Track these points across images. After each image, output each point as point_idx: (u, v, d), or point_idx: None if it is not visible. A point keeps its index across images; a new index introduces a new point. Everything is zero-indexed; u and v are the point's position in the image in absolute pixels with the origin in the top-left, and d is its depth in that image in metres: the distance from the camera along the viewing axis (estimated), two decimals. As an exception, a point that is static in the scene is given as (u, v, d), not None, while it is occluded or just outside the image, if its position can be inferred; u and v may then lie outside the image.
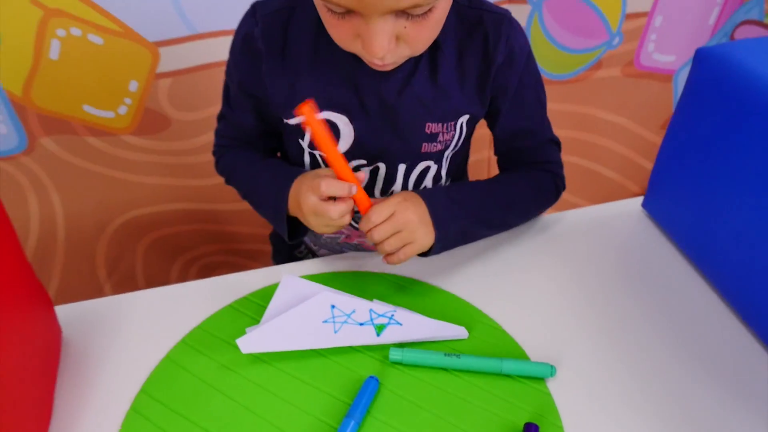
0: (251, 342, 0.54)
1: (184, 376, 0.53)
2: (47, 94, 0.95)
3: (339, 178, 0.55)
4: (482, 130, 0.72)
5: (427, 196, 0.60)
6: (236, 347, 0.54)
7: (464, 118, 0.65)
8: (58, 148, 1.01)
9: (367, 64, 0.56)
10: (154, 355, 0.55)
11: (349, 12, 0.50)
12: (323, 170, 0.59)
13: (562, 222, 0.71)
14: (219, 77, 0.70)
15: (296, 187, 0.59)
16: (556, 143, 0.71)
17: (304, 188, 0.57)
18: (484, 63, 0.62)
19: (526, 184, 0.68)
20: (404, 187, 0.68)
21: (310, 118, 0.52)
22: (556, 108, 1.24)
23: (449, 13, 0.55)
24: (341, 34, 0.53)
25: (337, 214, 0.54)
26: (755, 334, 0.57)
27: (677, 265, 0.65)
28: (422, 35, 0.53)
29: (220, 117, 0.72)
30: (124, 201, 1.11)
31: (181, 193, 1.12)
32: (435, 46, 0.59)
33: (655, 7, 1.15)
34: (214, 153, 0.74)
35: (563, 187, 0.71)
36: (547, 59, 1.17)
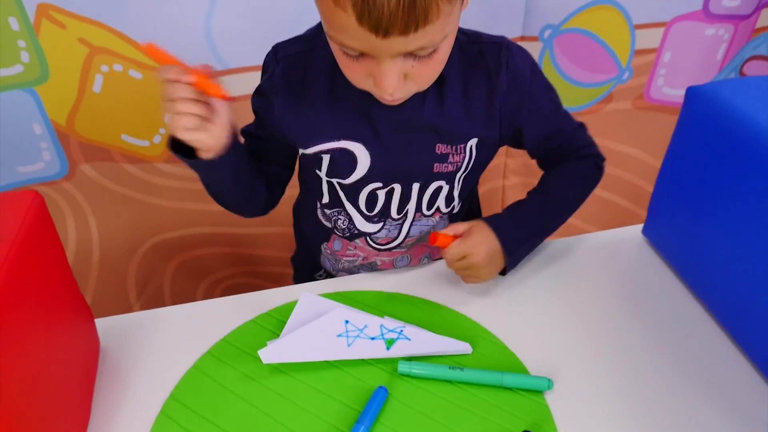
0: (272, 353, 0.58)
1: (210, 384, 0.58)
2: (89, 124, 1.03)
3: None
4: (497, 159, 0.77)
5: (497, 226, 0.67)
6: (258, 358, 0.59)
7: (473, 142, 0.69)
8: (97, 174, 1.09)
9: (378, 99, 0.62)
10: (182, 364, 0.60)
11: (362, 55, 0.55)
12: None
13: (566, 247, 0.75)
14: (246, 110, 0.76)
15: None
16: (581, 127, 0.75)
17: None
18: (489, 91, 0.66)
19: (572, 180, 0.73)
20: (418, 205, 0.73)
21: (151, 52, 0.55)
22: (567, 139, 1.28)
23: (452, 48, 0.61)
24: (355, 74, 0.59)
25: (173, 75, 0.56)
26: (748, 357, 0.60)
27: (674, 290, 0.68)
28: (427, 73, 0.58)
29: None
30: (155, 224, 1.18)
31: (207, 218, 1.19)
32: (441, 80, 0.64)
33: (664, 43, 1.20)
34: None
35: (603, 160, 0.76)
36: (559, 92, 1.22)
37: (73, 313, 0.56)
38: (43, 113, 0.99)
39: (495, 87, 0.66)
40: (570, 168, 0.73)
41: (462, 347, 0.60)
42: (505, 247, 0.66)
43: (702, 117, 0.62)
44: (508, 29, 1.11)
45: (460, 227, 0.68)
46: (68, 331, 0.54)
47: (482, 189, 0.89)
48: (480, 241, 0.65)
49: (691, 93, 0.63)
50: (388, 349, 0.60)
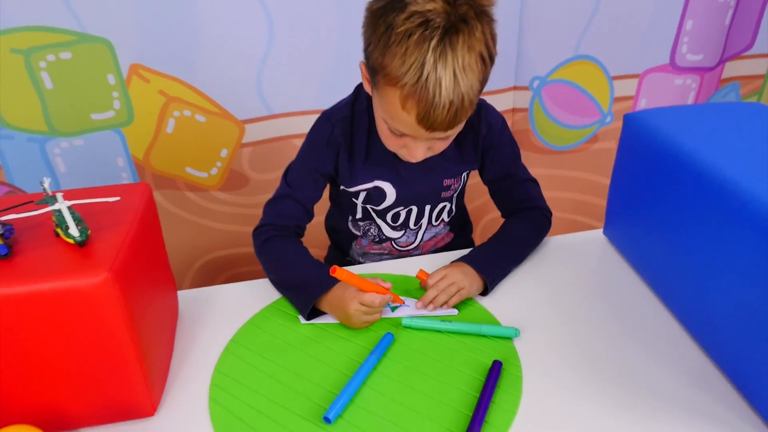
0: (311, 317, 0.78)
1: (261, 333, 0.78)
2: (161, 159, 1.27)
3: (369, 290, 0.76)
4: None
5: (469, 258, 0.85)
6: (296, 320, 0.78)
7: (465, 173, 0.93)
8: (163, 200, 1.32)
9: None
10: (238, 321, 0.80)
11: (403, 134, 0.77)
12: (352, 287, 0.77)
13: (545, 244, 0.94)
14: (287, 147, 0.96)
15: (338, 294, 0.77)
16: (532, 181, 0.95)
17: (349, 297, 0.76)
18: (474, 136, 0.89)
19: (526, 224, 0.93)
20: (429, 219, 0.96)
21: (341, 276, 0.74)
22: (559, 174, 1.48)
23: None
24: (392, 144, 0.81)
25: (378, 303, 0.75)
26: (680, 321, 0.76)
27: (625, 274, 0.86)
28: (445, 146, 0.81)
29: (278, 198, 0.90)
30: (208, 244, 1.40)
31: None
32: None
33: (639, 91, 1.41)
34: (261, 230, 0.89)
35: (550, 214, 0.95)
36: (549, 134, 1.43)
37: (166, 280, 0.77)
38: (126, 149, 1.24)
39: (477, 134, 0.89)
40: (524, 216, 0.93)
41: (450, 311, 0.79)
42: (479, 269, 0.82)
43: (636, 138, 0.81)
44: (503, 80, 1.34)
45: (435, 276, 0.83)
46: (163, 291, 0.75)
47: (472, 205, 1.10)
48: (454, 266, 0.83)
49: (628, 118, 0.83)
50: (392, 311, 0.79)
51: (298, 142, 1.28)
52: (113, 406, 0.64)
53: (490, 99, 1.33)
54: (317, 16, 1.18)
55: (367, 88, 0.79)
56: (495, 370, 0.68)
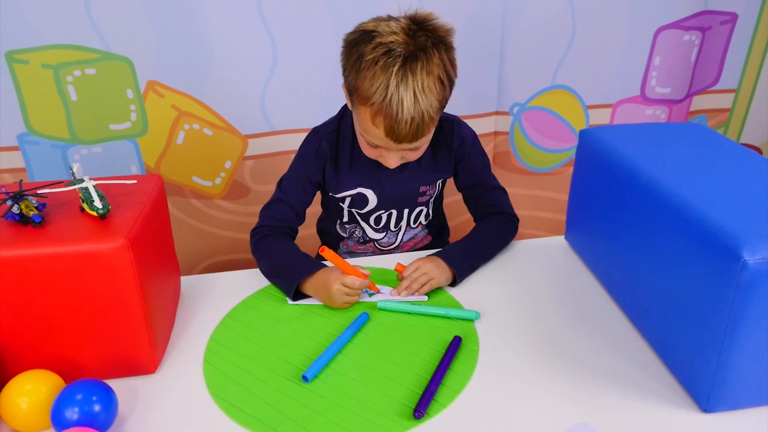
0: (297, 299, 0.88)
1: (252, 311, 0.88)
2: (170, 168, 1.39)
3: (350, 274, 0.87)
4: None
5: (441, 253, 0.95)
6: (285, 302, 0.88)
7: (440, 180, 1.05)
8: (171, 207, 1.43)
9: None
10: (233, 302, 0.90)
11: (377, 146, 0.89)
12: (335, 270, 0.88)
13: (513, 246, 1.04)
14: (287, 162, 1.07)
15: (321, 276, 0.87)
16: (501, 189, 1.06)
17: (333, 278, 0.86)
18: (447, 149, 1.01)
19: (494, 227, 1.03)
20: (408, 221, 1.07)
21: (328, 255, 0.88)
22: (538, 194, 1.59)
23: None
24: (370, 153, 0.93)
25: (358, 285, 0.86)
26: (624, 312, 0.86)
27: (582, 274, 0.96)
28: (417, 155, 0.93)
29: (272, 203, 1.02)
30: (210, 249, 1.50)
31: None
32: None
33: (612, 120, 1.53)
34: (257, 231, 1.00)
35: (517, 220, 1.06)
36: (528, 156, 1.55)
37: (171, 261, 0.88)
38: (139, 158, 1.36)
39: (451, 146, 1.01)
40: (492, 220, 1.04)
41: (421, 298, 0.89)
42: (448, 261, 0.93)
43: (589, 151, 0.93)
44: (485, 106, 1.47)
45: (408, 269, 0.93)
46: (168, 268, 0.85)
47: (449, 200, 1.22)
48: (426, 259, 0.94)
49: (582, 134, 0.95)
50: (369, 296, 0.89)
51: (298, 157, 1.40)
52: (120, 361, 0.73)
53: (473, 122, 1.47)
54: (317, 43, 1.31)
55: (349, 106, 0.92)
56: (454, 344, 0.78)
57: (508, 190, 1.08)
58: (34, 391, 0.66)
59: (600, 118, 1.53)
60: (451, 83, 0.86)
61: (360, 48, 0.83)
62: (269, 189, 1.45)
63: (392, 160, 0.91)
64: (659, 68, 1.49)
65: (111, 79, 1.27)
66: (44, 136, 1.29)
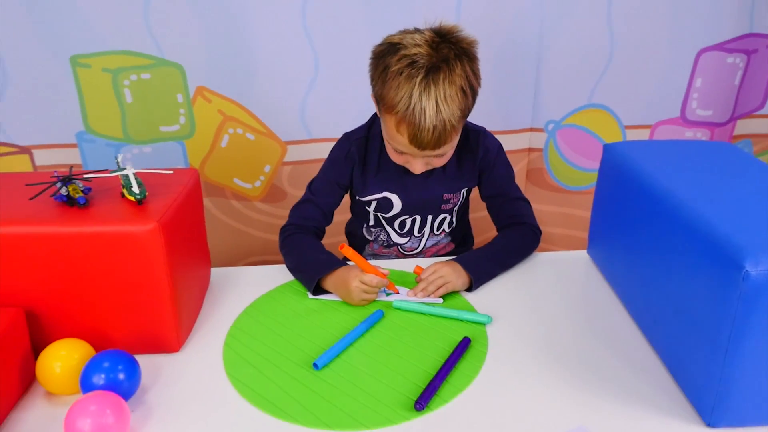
0: (317, 294, 0.93)
1: (274, 303, 0.92)
2: (214, 169, 1.47)
3: (369, 272, 0.91)
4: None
5: (460, 258, 0.97)
6: (305, 296, 0.92)
7: (465, 189, 1.07)
8: (212, 206, 1.51)
9: None
10: (258, 293, 0.95)
11: (403, 152, 0.93)
12: (355, 268, 0.92)
13: (534, 258, 1.05)
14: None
15: (342, 273, 0.91)
16: (524, 200, 1.08)
17: (352, 276, 0.89)
18: (472, 158, 1.04)
19: (516, 236, 1.05)
20: (431, 229, 1.10)
21: (347, 252, 0.92)
22: (571, 212, 1.58)
23: None
24: (397, 159, 0.97)
25: (376, 283, 0.89)
26: (639, 326, 0.86)
27: (599, 285, 0.96)
28: (442, 162, 0.97)
29: (301, 203, 1.06)
30: (246, 249, 1.57)
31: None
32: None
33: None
34: (285, 228, 1.05)
35: (540, 232, 1.07)
36: (562, 174, 1.55)
37: (202, 250, 0.93)
38: (185, 158, 1.44)
39: (475, 156, 1.04)
40: (514, 229, 1.05)
41: (436, 300, 0.91)
42: (466, 266, 0.95)
43: (612, 166, 0.93)
44: (520, 122, 1.48)
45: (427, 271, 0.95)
46: (198, 257, 0.91)
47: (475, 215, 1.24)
48: (444, 263, 0.96)
49: (606, 147, 0.95)
50: (387, 295, 0.92)
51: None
52: (147, 337, 0.79)
53: (508, 137, 1.49)
54: (356, 56, 1.36)
55: (378, 114, 0.96)
56: (463, 344, 0.80)
57: (540, 206, 1.10)
58: (67, 357, 0.72)
59: (638, 138, 1.52)
60: (474, 93, 0.90)
61: (386, 59, 0.87)
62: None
63: (417, 165, 0.94)
64: (700, 90, 1.47)
65: (164, 84, 1.36)
66: (100, 135, 1.39)
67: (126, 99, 1.36)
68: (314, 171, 1.49)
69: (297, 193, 1.51)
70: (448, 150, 0.94)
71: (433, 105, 0.84)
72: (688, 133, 1.52)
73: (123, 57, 1.32)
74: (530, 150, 1.52)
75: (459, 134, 0.93)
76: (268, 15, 1.30)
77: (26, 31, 1.26)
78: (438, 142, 0.88)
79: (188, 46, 1.32)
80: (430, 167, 0.97)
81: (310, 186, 1.08)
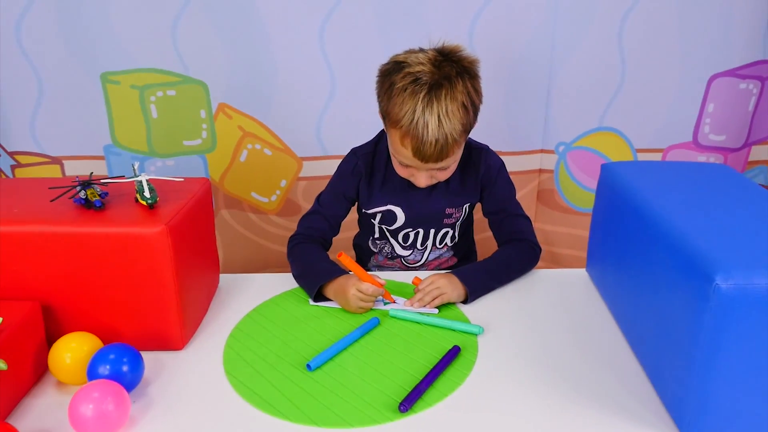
0: (318, 301, 0.96)
1: (277, 308, 0.96)
2: (233, 182, 1.53)
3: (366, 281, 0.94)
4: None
5: (457, 270, 1.00)
6: (307, 303, 0.96)
7: (467, 204, 1.10)
8: (231, 218, 1.57)
9: None
10: (263, 299, 0.99)
11: (409, 166, 0.98)
12: (354, 277, 0.95)
13: (532, 274, 1.07)
14: None
15: (341, 281, 0.95)
16: (524, 217, 1.10)
17: (350, 284, 0.93)
18: (474, 174, 1.07)
19: (514, 252, 1.07)
20: (434, 242, 1.13)
21: (344, 261, 0.96)
22: (581, 234, 1.59)
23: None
24: (402, 172, 1.01)
25: (372, 292, 0.93)
26: (629, 342, 0.87)
27: (594, 301, 0.98)
28: (445, 176, 1.01)
29: (310, 214, 1.12)
30: (261, 261, 1.62)
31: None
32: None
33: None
34: (294, 238, 1.09)
35: (539, 249, 1.09)
36: (574, 196, 1.56)
37: (211, 256, 0.98)
38: (206, 171, 1.51)
39: (477, 172, 1.07)
40: (513, 245, 1.07)
41: (431, 311, 0.94)
42: (463, 278, 0.97)
43: (609, 185, 0.95)
44: (531, 143, 1.51)
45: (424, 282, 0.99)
46: (206, 262, 0.96)
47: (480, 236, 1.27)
48: (442, 275, 0.99)
49: (604, 168, 0.98)
50: (385, 305, 0.95)
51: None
52: (153, 334, 0.84)
53: (518, 159, 1.51)
54: (371, 76, 1.41)
55: (385, 130, 1.00)
56: (452, 352, 0.82)
57: (551, 228, 1.12)
58: (77, 348, 0.77)
59: (649, 157, 1.53)
60: (476, 109, 0.94)
61: (391, 77, 0.92)
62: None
63: (422, 179, 0.98)
64: (713, 115, 1.48)
65: (188, 100, 1.43)
66: (126, 149, 1.47)
67: (152, 114, 1.44)
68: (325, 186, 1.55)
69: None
70: (451, 164, 0.97)
71: (436, 120, 0.88)
72: (701, 158, 1.52)
73: (150, 74, 1.39)
74: (541, 171, 1.55)
75: (461, 149, 0.97)
76: (288, 36, 1.37)
77: (61, 49, 1.35)
78: (440, 155, 0.92)
79: (212, 64, 1.39)
80: (434, 181, 1.00)
81: (319, 198, 1.13)
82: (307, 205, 1.55)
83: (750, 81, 1.45)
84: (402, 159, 0.97)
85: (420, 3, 1.37)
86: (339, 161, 1.50)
